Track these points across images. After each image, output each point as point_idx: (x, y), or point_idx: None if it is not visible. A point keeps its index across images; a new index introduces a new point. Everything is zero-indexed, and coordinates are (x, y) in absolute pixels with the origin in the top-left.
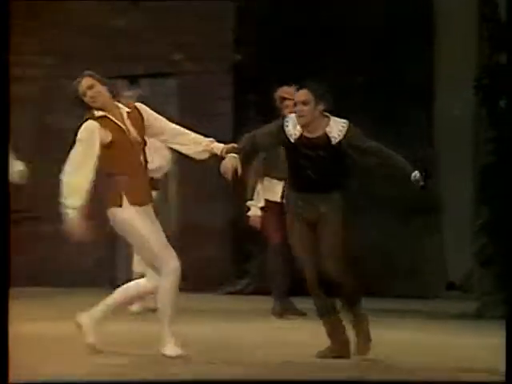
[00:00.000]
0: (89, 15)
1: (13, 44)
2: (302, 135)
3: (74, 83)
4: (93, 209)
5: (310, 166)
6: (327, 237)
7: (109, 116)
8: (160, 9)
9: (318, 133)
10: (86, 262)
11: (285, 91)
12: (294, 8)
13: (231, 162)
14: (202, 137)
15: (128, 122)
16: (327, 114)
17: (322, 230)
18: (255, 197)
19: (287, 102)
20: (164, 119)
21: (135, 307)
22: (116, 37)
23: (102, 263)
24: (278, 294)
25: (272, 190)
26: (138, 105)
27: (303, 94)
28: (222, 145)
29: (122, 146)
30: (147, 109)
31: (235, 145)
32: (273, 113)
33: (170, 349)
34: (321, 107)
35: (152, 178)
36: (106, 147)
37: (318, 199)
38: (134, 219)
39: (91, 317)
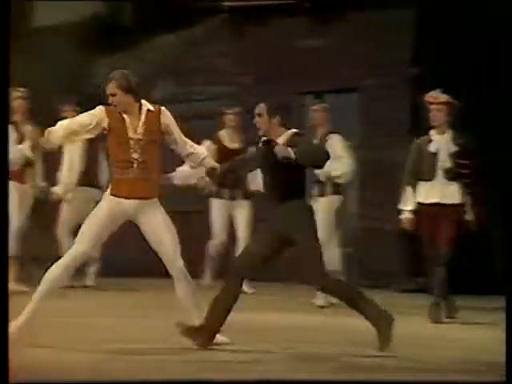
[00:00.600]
0: (280, 36)
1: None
2: None
3: (104, 82)
4: None
5: None
6: None
7: (119, 111)
8: (341, 29)
9: None
10: None
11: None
12: (470, 21)
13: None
14: (199, 152)
15: (141, 119)
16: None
17: None
18: (405, 200)
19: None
20: (178, 132)
21: (320, 301)
22: (304, 56)
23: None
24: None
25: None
26: (163, 109)
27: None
28: (211, 162)
29: (118, 137)
30: (169, 116)
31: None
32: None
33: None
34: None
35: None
36: (106, 132)
37: None
38: (99, 207)
39: None
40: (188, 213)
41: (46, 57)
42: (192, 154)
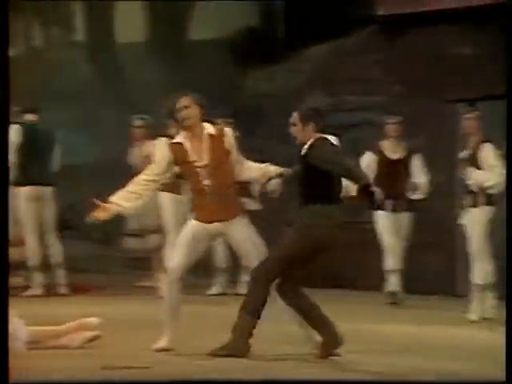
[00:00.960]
0: (431, 43)
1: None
2: None
3: (172, 98)
4: None
5: None
6: None
7: (180, 141)
8: (494, 35)
9: None
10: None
11: None
12: None
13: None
14: (259, 165)
15: (206, 144)
16: None
17: None
18: None
19: None
20: (236, 153)
21: (473, 316)
22: (456, 63)
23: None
24: None
25: None
26: (226, 130)
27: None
28: (273, 168)
29: (185, 168)
30: (231, 136)
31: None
32: None
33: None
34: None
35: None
36: (177, 165)
37: None
38: (186, 229)
39: None
40: None
41: (202, 69)
42: (258, 168)
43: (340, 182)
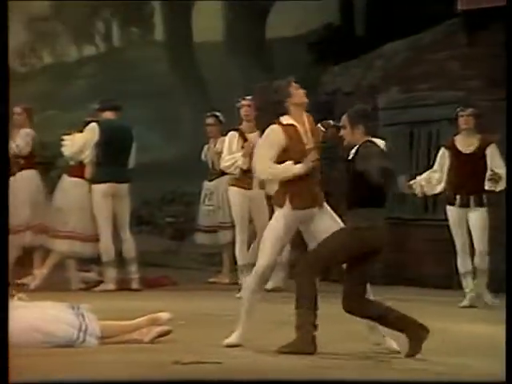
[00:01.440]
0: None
1: None
2: None
3: (280, 84)
4: None
5: None
6: None
7: (294, 124)
8: None
9: None
10: None
11: None
12: None
13: None
14: None
15: (307, 127)
16: None
17: None
18: None
19: None
20: None
21: None
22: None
23: None
24: None
25: None
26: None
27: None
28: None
29: (296, 151)
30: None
31: None
32: None
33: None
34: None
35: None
36: (282, 151)
37: None
38: (277, 221)
39: None
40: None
41: (280, 67)
42: None
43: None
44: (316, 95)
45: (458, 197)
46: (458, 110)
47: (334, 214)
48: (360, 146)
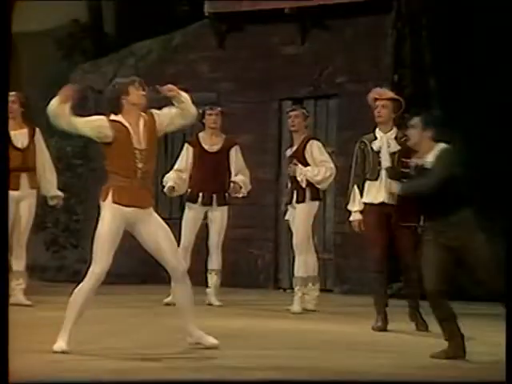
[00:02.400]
0: (262, 43)
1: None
2: None
3: (119, 82)
4: None
5: None
6: None
7: (121, 121)
8: (323, 35)
9: None
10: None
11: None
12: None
13: None
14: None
15: (141, 128)
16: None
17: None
18: (352, 201)
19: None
20: (168, 110)
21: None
22: (285, 62)
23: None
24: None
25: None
26: (154, 113)
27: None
28: None
29: (122, 148)
30: (158, 111)
31: None
32: None
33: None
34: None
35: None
36: (107, 145)
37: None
38: (105, 216)
39: None
40: None
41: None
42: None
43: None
44: None
45: (199, 195)
46: (206, 108)
47: (161, 221)
48: (441, 152)
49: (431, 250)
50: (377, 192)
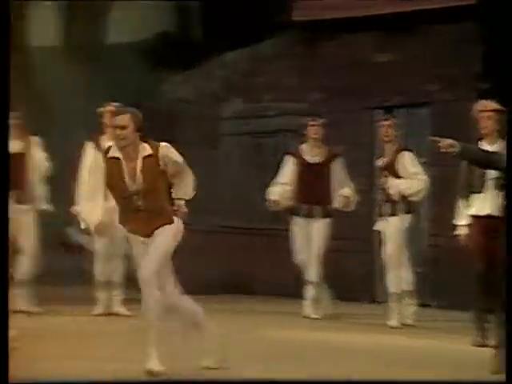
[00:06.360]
0: (352, 51)
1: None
2: None
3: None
4: None
5: None
6: None
7: (119, 157)
8: (413, 43)
9: None
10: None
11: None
12: None
13: None
14: None
15: (138, 167)
16: None
17: None
18: (459, 214)
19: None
20: (178, 164)
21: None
22: (376, 70)
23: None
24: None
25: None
26: (162, 147)
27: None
28: None
29: (116, 185)
30: (168, 152)
31: None
32: None
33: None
34: None
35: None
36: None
37: None
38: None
39: None
40: None
41: (119, 73)
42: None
43: None
44: (159, 103)
45: (302, 207)
46: (309, 119)
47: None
48: None
49: None
50: (482, 204)
